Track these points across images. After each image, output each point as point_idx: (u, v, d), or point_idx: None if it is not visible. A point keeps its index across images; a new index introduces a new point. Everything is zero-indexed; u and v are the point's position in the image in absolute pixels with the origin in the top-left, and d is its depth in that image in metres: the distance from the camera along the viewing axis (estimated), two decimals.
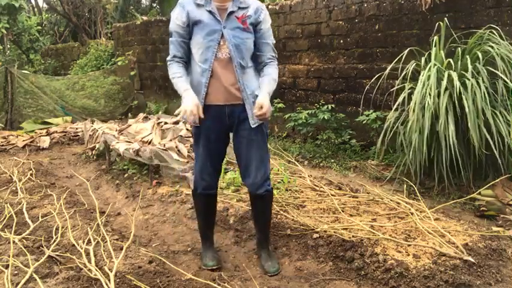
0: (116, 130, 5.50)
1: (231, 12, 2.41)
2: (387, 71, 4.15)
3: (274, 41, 2.56)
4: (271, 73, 2.50)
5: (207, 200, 2.73)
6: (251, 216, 3.26)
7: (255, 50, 2.50)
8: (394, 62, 4.14)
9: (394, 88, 4.16)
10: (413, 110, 3.59)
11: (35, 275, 2.49)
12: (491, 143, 3.31)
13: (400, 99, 3.85)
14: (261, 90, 2.45)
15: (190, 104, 2.33)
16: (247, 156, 2.54)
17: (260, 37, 2.47)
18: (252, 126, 2.46)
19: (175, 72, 2.48)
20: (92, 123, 6.21)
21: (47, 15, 14.49)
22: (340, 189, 3.80)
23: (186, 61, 2.52)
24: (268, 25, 2.49)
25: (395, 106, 3.94)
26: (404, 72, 3.91)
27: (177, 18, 2.44)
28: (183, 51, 2.48)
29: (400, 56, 4.06)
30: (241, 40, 2.41)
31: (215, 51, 2.39)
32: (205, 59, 2.40)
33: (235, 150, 2.62)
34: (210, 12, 2.40)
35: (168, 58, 2.54)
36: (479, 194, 3.35)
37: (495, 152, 3.28)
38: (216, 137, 2.53)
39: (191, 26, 2.42)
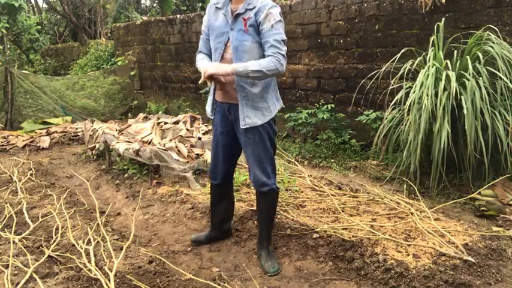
0: (116, 130, 5.50)
1: (239, 14, 2.46)
2: (383, 69, 4.17)
3: (280, 38, 2.43)
4: (262, 60, 2.40)
5: (213, 189, 2.94)
6: (251, 216, 3.27)
7: (262, 50, 2.46)
8: (389, 61, 4.14)
9: (389, 88, 4.17)
10: (411, 110, 3.59)
11: (35, 275, 2.49)
12: (488, 144, 3.31)
13: (396, 98, 3.86)
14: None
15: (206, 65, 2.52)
16: (246, 155, 2.67)
17: (262, 37, 2.44)
18: (242, 127, 2.54)
19: (198, 59, 2.70)
20: (92, 123, 6.21)
21: (46, 15, 14.50)
22: (340, 189, 3.81)
23: (210, 56, 2.68)
24: (269, 24, 2.41)
25: (391, 105, 3.95)
26: (400, 72, 3.92)
27: (204, 19, 2.70)
28: (207, 47, 2.70)
29: (397, 56, 4.07)
30: (240, 42, 2.46)
31: (221, 52, 2.53)
32: (214, 59, 2.58)
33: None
34: (224, 15, 2.54)
35: (197, 52, 2.79)
36: (479, 194, 3.35)
37: (486, 153, 3.29)
38: (222, 131, 2.71)
39: (209, 28, 2.64)
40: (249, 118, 2.52)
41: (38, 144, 6.45)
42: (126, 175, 4.63)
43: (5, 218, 3.50)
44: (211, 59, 2.64)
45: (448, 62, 3.63)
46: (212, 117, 2.75)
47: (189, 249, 3.03)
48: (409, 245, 2.70)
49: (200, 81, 2.54)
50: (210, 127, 5.20)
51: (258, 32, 2.44)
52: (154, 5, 15.20)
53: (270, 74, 2.41)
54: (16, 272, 2.56)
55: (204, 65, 2.51)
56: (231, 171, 2.90)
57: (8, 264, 2.61)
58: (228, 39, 2.49)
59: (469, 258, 2.49)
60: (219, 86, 2.57)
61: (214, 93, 2.68)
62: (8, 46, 11.06)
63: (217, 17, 2.56)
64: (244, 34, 2.44)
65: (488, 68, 3.53)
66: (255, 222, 3.16)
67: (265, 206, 2.73)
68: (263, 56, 2.44)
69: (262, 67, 2.37)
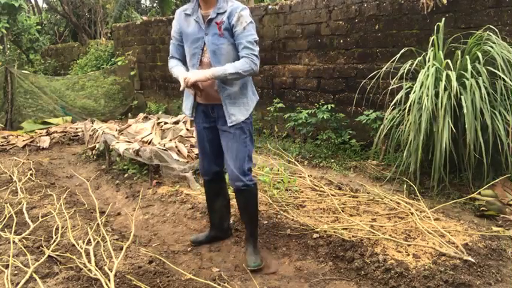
0: (116, 130, 5.50)
1: (211, 19, 2.54)
2: (383, 70, 4.16)
3: (253, 39, 2.52)
4: (237, 62, 2.51)
5: (207, 186, 3.01)
6: None
7: (237, 51, 2.56)
8: (390, 61, 4.14)
9: (389, 88, 4.17)
10: (411, 110, 3.58)
11: (35, 275, 2.49)
12: (488, 144, 3.31)
13: (396, 98, 3.86)
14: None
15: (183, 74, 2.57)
16: (225, 148, 2.71)
17: (236, 38, 2.53)
18: (229, 125, 2.63)
19: (173, 65, 2.78)
20: (92, 123, 6.21)
21: (46, 15, 14.50)
22: (340, 189, 3.81)
23: (183, 61, 2.78)
24: (242, 27, 2.50)
25: (391, 105, 3.95)
26: (400, 72, 3.92)
27: (174, 25, 2.76)
28: (179, 52, 2.78)
29: (397, 56, 4.06)
30: (217, 46, 2.54)
31: (200, 57, 2.62)
32: (193, 64, 2.65)
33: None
34: (196, 21, 2.60)
35: (169, 57, 2.87)
36: (479, 194, 3.35)
37: (485, 153, 3.28)
38: (207, 126, 2.77)
39: (182, 34, 2.71)
40: (234, 115, 2.62)
41: (38, 144, 6.45)
42: (126, 175, 4.63)
43: (5, 218, 3.50)
44: (184, 63, 2.74)
45: (449, 61, 3.62)
46: (192, 118, 2.83)
47: (189, 249, 3.03)
48: (409, 245, 2.70)
49: (181, 89, 2.58)
50: None
51: (232, 34, 2.54)
52: (154, 5, 15.21)
53: (246, 75, 2.53)
54: (16, 272, 2.56)
55: (184, 74, 2.55)
56: (220, 165, 2.93)
57: (8, 264, 2.61)
58: (204, 44, 2.58)
59: (469, 258, 2.49)
60: (199, 93, 2.62)
61: (194, 96, 2.72)
62: (8, 46, 11.06)
63: (189, 23, 2.63)
64: (219, 38, 2.54)
65: (488, 67, 3.53)
66: None
67: (241, 203, 2.79)
68: (239, 57, 2.54)
69: (238, 69, 2.48)
